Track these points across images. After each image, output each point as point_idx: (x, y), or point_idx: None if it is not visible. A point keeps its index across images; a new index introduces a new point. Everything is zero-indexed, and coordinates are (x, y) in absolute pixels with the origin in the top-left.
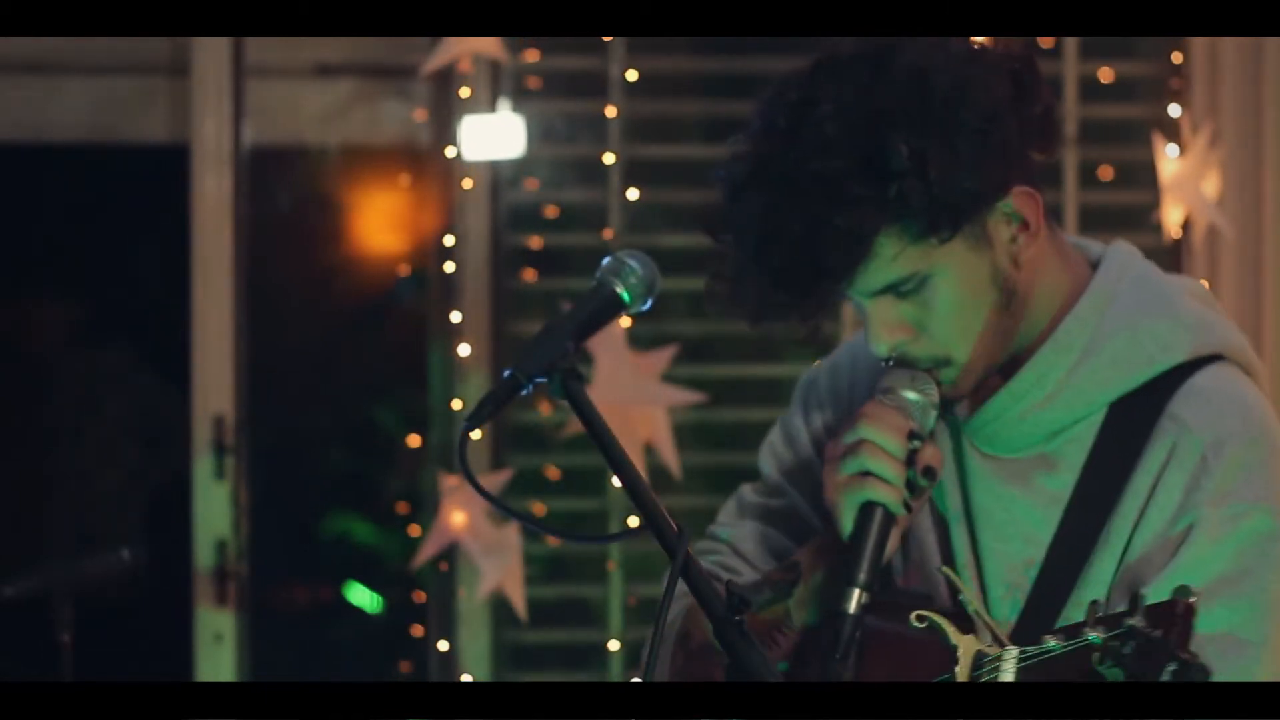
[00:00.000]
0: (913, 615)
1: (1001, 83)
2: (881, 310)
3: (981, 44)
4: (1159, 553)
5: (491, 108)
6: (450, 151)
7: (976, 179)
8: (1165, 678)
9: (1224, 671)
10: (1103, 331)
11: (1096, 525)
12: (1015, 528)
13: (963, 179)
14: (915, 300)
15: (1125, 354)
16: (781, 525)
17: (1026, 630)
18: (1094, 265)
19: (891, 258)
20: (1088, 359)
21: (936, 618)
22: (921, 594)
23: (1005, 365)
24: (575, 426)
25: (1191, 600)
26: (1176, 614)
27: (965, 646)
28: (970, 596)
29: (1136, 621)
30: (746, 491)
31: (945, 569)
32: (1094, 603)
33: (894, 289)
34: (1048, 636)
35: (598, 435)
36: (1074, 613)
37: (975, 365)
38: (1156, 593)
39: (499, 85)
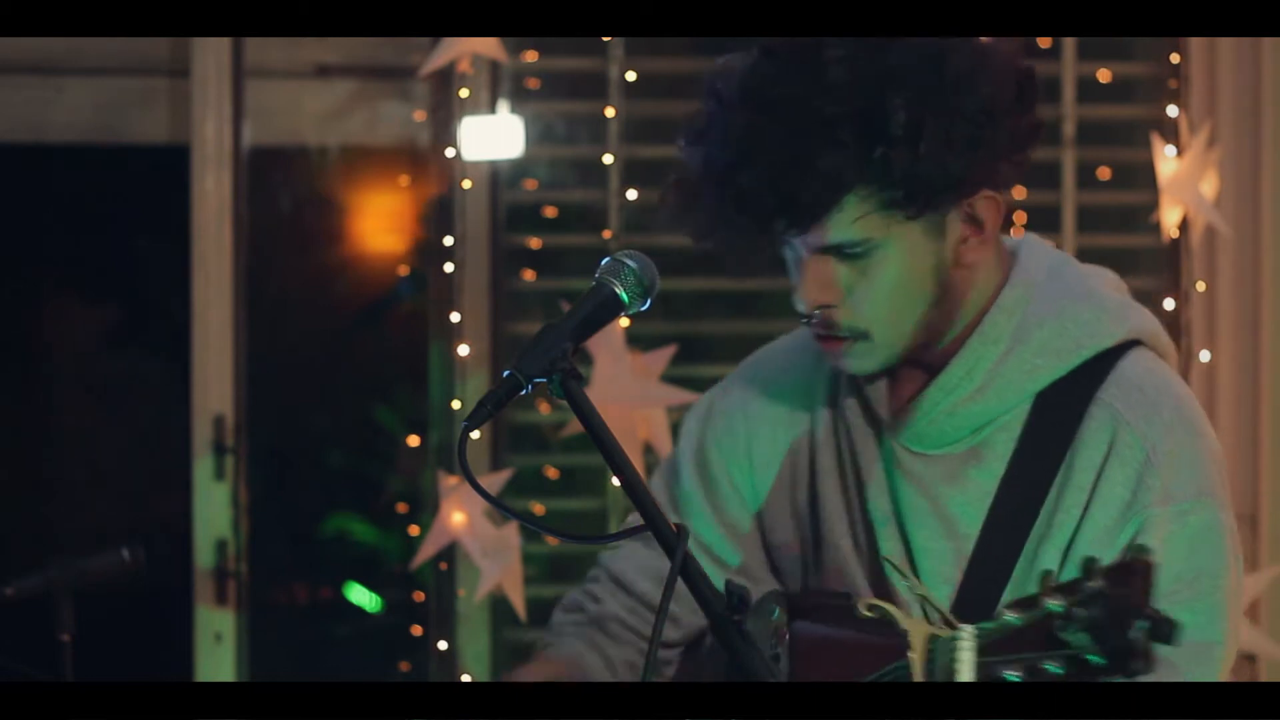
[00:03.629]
0: (862, 605)
1: (1008, 84)
2: (818, 267)
3: (992, 44)
4: (1106, 549)
5: (491, 108)
6: (450, 152)
7: (961, 167)
8: (1135, 634)
9: (1194, 673)
10: (1028, 321)
11: (1029, 512)
12: (950, 524)
13: (949, 163)
14: (855, 266)
15: (1053, 342)
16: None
17: (959, 617)
18: (1014, 254)
19: (854, 218)
20: (1016, 348)
21: (885, 605)
22: (840, 594)
23: (931, 361)
24: (575, 426)
25: (1148, 559)
26: (1136, 572)
27: (915, 630)
28: (915, 581)
29: (1097, 584)
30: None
31: (887, 558)
32: (1047, 573)
33: (840, 249)
34: (1004, 610)
35: (597, 435)
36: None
37: (888, 348)
38: None
39: (498, 86)
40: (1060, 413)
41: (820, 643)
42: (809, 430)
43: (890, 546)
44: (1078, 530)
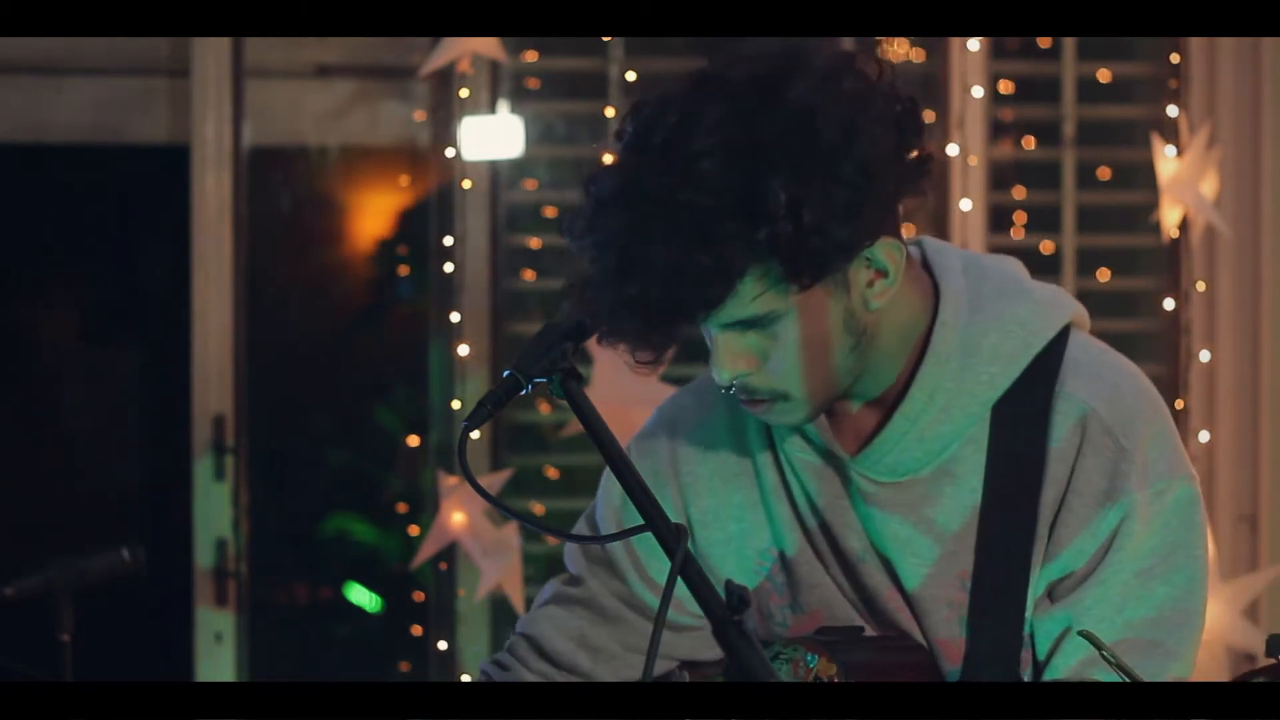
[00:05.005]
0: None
1: (887, 132)
2: (729, 340)
3: (872, 82)
4: (1087, 539)
5: (491, 108)
6: (450, 152)
7: (848, 231)
8: None
9: (1177, 641)
10: (972, 331)
11: (1026, 522)
12: (937, 547)
13: (835, 230)
14: (764, 334)
15: (1002, 346)
16: (579, 610)
17: (983, 640)
18: (923, 264)
19: (751, 298)
20: (969, 361)
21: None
22: (854, 627)
23: (884, 395)
24: (575, 426)
25: None
26: None
27: None
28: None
29: None
30: (551, 583)
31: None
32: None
33: (745, 324)
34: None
35: (597, 435)
36: (1030, 613)
37: (815, 399)
38: (1097, 581)
39: (498, 86)
40: (1023, 416)
41: (876, 673)
42: (754, 479)
43: (876, 580)
44: (1056, 520)
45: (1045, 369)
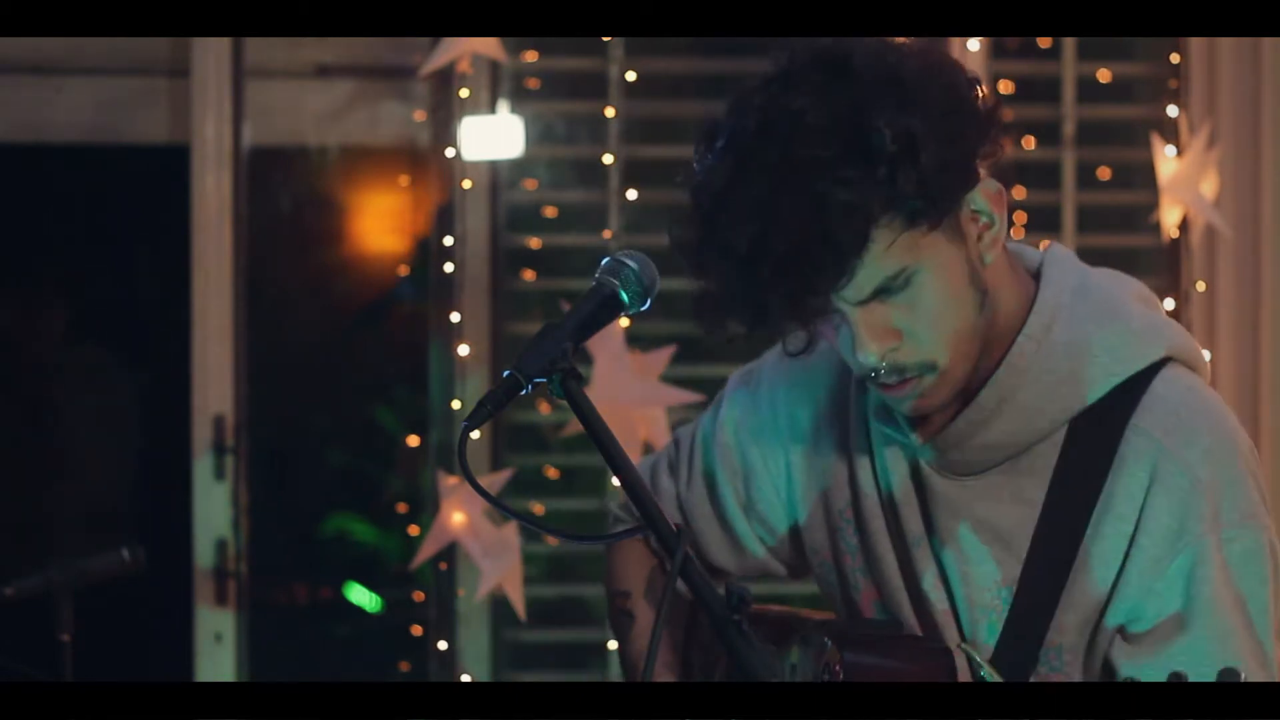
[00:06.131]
0: (963, 647)
1: (958, 76)
2: (868, 317)
3: (922, 44)
4: (1155, 579)
5: (491, 108)
6: (450, 152)
7: (958, 155)
8: None
9: None
10: (1055, 348)
11: (1071, 544)
12: (984, 550)
13: (947, 155)
14: (901, 302)
15: (1082, 370)
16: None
17: (1006, 653)
18: (1034, 274)
19: (884, 249)
20: (1044, 377)
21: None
22: (891, 622)
23: (964, 388)
24: (575, 426)
25: None
26: None
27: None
28: (993, 671)
29: None
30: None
31: (962, 645)
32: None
33: (882, 291)
34: None
35: (596, 435)
36: (1056, 636)
37: (955, 371)
38: (1165, 630)
39: (498, 86)
40: (1096, 441)
41: (873, 674)
42: (846, 439)
43: (922, 567)
44: (1126, 560)
45: (1126, 399)
